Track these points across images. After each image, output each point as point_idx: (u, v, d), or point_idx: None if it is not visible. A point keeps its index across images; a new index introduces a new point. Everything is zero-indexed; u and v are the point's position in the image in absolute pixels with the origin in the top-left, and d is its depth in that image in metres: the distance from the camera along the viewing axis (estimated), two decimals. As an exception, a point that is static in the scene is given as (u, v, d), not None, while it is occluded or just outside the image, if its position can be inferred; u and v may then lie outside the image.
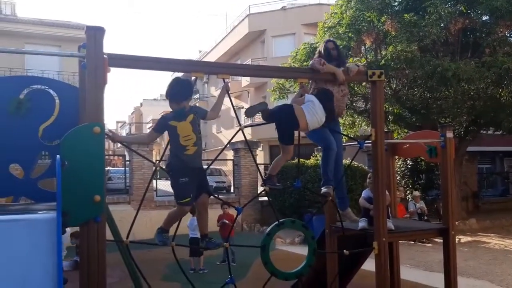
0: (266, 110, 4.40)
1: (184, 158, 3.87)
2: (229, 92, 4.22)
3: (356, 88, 14.27)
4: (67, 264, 8.67)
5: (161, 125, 3.97)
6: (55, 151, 3.43)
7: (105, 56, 3.43)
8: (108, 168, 21.17)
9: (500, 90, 13.24)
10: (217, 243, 4.22)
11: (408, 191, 15.40)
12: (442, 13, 12.27)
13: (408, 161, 16.29)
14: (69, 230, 7.01)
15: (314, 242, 4.31)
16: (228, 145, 4.83)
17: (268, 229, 4.23)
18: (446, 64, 11.83)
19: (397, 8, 13.92)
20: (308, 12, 26.81)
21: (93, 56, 3.39)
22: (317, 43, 15.15)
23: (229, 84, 4.23)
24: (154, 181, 14.47)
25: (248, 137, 4.31)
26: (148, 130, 4.49)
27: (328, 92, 4.73)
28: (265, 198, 14.55)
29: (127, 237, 3.86)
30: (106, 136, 3.57)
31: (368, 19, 13.55)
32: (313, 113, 4.39)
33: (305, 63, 14.04)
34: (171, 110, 3.99)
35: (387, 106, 13.71)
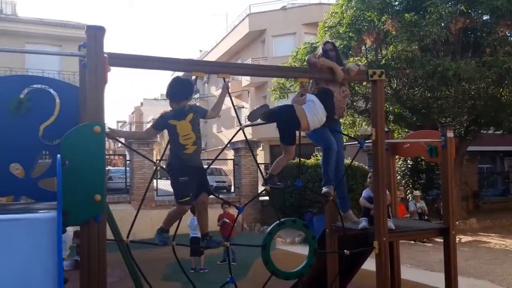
0: (267, 111, 4.40)
1: (184, 157, 3.87)
2: (230, 92, 4.22)
3: (356, 88, 14.26)
4: (68, 263, 8.67)
5: (160, 123, 3.97)
6: (56, 150, 3.43)
7: (105, 55, 3.43)
8: (109, 167, 21.19)
9: (501, 90, 13.24)
10: (218, 241, 4.22)
11: (408, 191, 15.39)
12: (443, 12, 12.26)
13: (408, 161, 16.29)
14: (70, 229, 7.01)
15: (314, 242, 4.31)
16: (228, 145, 4.83)
17: (269, 228, 4.23)
18: (447, 63, 11.82)
19: (397, 8, 13.91)
20: (308, 11, 26.80)
21: (94, 55, 3.39)
22: (317, 42, 15.14)
23: (229, 83, 4.23)
24: (154, 180, 14.47)
25: (249, 136, 4.30)
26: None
27: (328, 91, 4.73)
28: (266, 198, 14.56)
29: (128, 237, 3.87)
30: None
31: (369, 18, 13.54)
32: (314, 113, 4.40)
33: (305, 63, 13.99)
34: (171, 109, 4.00)
35: (387, 106, 13.71)
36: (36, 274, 2.85)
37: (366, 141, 4.74)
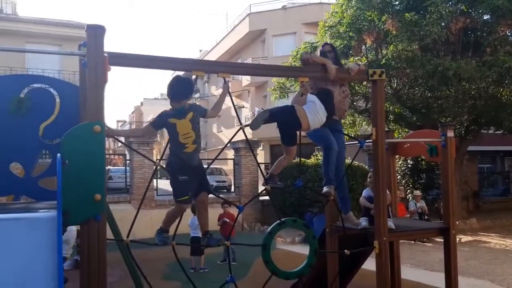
0: (267, 117, 4.36)
1: (184, 156, 3.87)
2: (230, 91, 4.21)
3: (356, 88, 14.26)
4: (68, 263, 8.66)
5: (159, 121, 3.96)
6: (56, 149, 3.42)
7: (105, 54, 3.43)
8: (109, 167, 21.19)
9: (501, 90, 13.23)
10: (218, 239, 4.22)
11: (408, 191, 15.39)
12: (443, 12, 12.25)
13: (408, 161, 16.29)
14: (74, 228, 6.99)
15: (315, 242, 4.30)
16: (228, 144, 4.83)
17: (270, 228, 4.23)
18: (447, 63, 11.82)
19: (398, 7, 13.90)
20: (308, 11, 26.81)
21: (94, 55, 3.38)
22: (317, 42, 15.13)
23: (229, 83, 4.23)
24: (154, 180, 14.48)
25: (249, 136, 4.30)
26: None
27: (328, 92, 4.73)
28: (266, 198, 14.56)
29: (128, 236, 3.86)
30: None
31: (369, 18, 13.54)
32: (314, 114, 4.40)
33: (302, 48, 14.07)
34: (170, 108, 4.00)
35: (387, 106, 13.71)
36: (36, 274, 2.85)
37: (366, 141, 4.74)
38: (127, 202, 13.65)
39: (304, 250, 4.72)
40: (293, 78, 13.36)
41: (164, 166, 4.09)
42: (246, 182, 15.49)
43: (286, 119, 4.37)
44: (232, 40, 32.06)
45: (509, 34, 13.59)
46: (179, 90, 3.92)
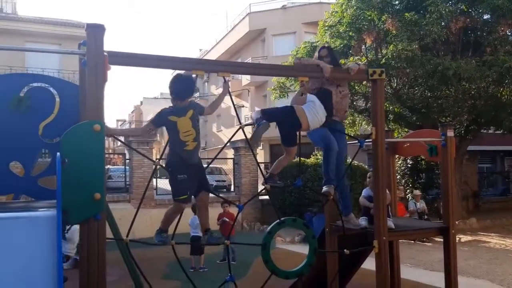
0: (266, 125, 4.34)
1: (184, 154, 3.87)
2: (230, 91, 4.21)
3: (356, 87, 14.26)
4: (67, 262, 8.68)
5: (159, 119, 3.95)
6: (56, 149, 3.42)
7: (105, 53, 3.42)
8: (108, 166, 21.19)
9: (501, 89, 13.23)
10: (219, 238, 4.23)
11: (408, 190, 15.40)
12: (443, 12, 12.25)
13: (408, 160, 16.29)
14: (77, 227, 7.00)
15: (315, 241, 4.30)
16: (228, 144, 4.83)
17: (269, 227, 4.23)
18: (447, 63, 11.81)
19: (397, 7, 13.90)
20: (308, 10, 26.81)
21: (94, 54, 3.38)
22: (317, 41, 15.14)
23: (229, 82, 4.23)
24: (154, 179, 14.48)
25: (249, 135, 4.30)
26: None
27: (327, 91, 4.73)
28: (265, 197, 14.56)
29: (127, 236, 3.86)
30: None
31: (369, 17, 13.54)
32: (314, 113, 4.39)
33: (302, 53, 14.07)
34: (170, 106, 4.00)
35: (387, 105, 13.71)
36: (35, 273, 2.85)
37: (366, 140, 4.74)
38: (126, 201, 13.66)
39: (304, 249, 4.72)
40: (293, 78, 13.35)
41: (164, 165, 4.09)
42: (245, 181, 15.49)
43: (286, 119, 4.37)
44: (232, 40, 32.06)
45: (509, 33, 13.59)
46: (182, 88, 3.92)
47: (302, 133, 4.47)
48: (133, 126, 58.11)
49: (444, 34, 12.46)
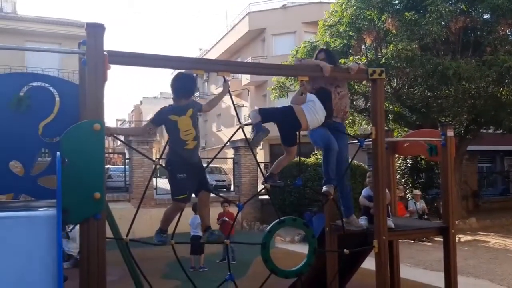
0: (266, 132, 4.32)
1: (184, 153, 3.86)
2: (230, 91, 4.21)
3: (356, 87, 14.26)
4: (67, 261, 8.68)
5: (159, 118, 3.94)
6: (55, 148, 3.42)
7: (105, 53, 3.42)
8: (108, 166, 21.19)
9: (501, 89, 13.24)
10: (219, 235, 4.23)
11: (408, 190, 15.41)
12: (443, 11, 12.25)
13: (408, 160, 16.30)
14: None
15: (314, 241, 4.30)
16: (228, 143, 4.83)
17: (269, 226, 4.22)
18: (447, 62, 11.81)
19: (397, 7, 13.90)
20: (308, 10, 26.79)
21: (93, 53, 3.37)
22: (317, 41, 15.14)
23: (229, 82, 4.23)
24: (154, 179, 14.48)
25: (248, 135, 4.30)
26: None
27: (327, 91, 4.73)
28: (265, 197, 14.56)
29: (127, 235, 3.86)
30: None
31: (369, 17, 13.53)
32: (313, 113, 4.39)
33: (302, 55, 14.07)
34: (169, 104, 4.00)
35: (387, 105, 13.72)
36: (35, 272, 2.85)
37: (366, 140, 4.74)
38: (126, 201, 13.65)
39: (303, 249, 4.72)
40: (292, 77, 13.35)
41: (164, 165, 4.08)
42: (245, 181, 15.49)
43: (285, 119, 4.36)
44: (232, 39, 32.05)
45: (509, 33, 13.59)
46: (186, 86, 3.93)
47: (302, 132, 4.47)
48: (132, 125, 58.11)
49: (444, 33, 12.46)
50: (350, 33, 13.87)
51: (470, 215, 15.85)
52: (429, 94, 13.62)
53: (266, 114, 4.37)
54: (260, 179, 14.85)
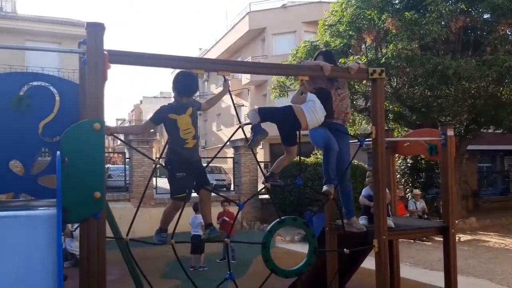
0: (264, 135, 4.31)
1: (184, 152, 3.86)
2: (230, 90, 4.21)
3: (356, 86, 14.26)
4: (70, 260, 8.69)
5: (159, 116, 3.94)
6: (55, 147, 3.42)
7: (105, 52, 3.42)
8: (108, 165, 21.19)
9: (501, 89, 13.23)
10: (220, 231, 4.23)
11: (408, 190, 15.41)
12: (443, 11, 12.25)
13: (408, 160, 16.30)
14: None
15: (314, 240, 4.30)
16: (228, 143, 4.83)
17: (270, 225, 4.22)
18: (447, 62, 11.81)
19: (397, 6, 13.90)
20: (308, 10, 26.79)
21: (94, 52, 3.37)
22: (317, 41, 15.14)
23: (229, 81, 4.23)
24: (154, 178, 14.48)
25: (248, 135, 4.29)
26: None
27: (326, 91, 4.73)
28: (265, 196, 14.56)
29: (127, 235, 3.86)
30: None
31: (369, 17, 13.53)
32: (313, 112, 4.38)
33: (302, 57, 14.06)
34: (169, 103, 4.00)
35: (387, 104, 13.71)
36: (35, 271, 2.85)
37: (366, 140, 4.74)
38: (126, 200, 13.65)
39: (304, 248, 4.72)
40: (293, 77, 13.34)
41: (164, 164, 4.08)
42: (245, 180, 15.49)
43: (285, 119, 4.36)
44: (232, 39, 32.04)
45: (509, 33, 13.58)
46: (190, 84, 3.93)
47: (302, 132, 4.46)
48: (133, 124, 58.07)
49: (444, 33, 12.45)
50: (350, 32, 13.87)
51: (470, 214, 15.85)
52: (429, 93, 13.62)
53: (265, 114, 4.36)
54: (260, 179, 14.85)
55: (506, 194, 22.06)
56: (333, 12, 14.80)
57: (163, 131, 4.18)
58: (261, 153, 26.24)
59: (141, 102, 57.94)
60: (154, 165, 4.15)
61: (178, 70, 4.21)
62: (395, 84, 14.20)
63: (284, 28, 27.68)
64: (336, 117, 4.92)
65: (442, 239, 5.20)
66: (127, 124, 60.95)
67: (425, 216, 12.49)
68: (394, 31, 12.67)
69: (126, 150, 18.95)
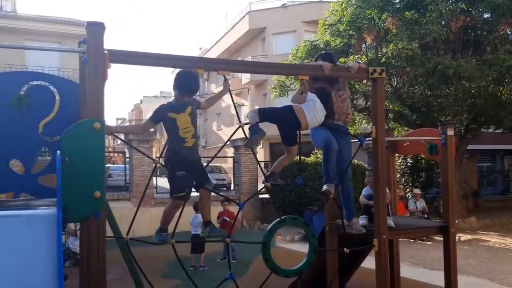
0: (262, 135, 4.31)
1: (183, 151, 3.85)
2: (230, 89, 4.21)
3: (356, 86, 14.25)
4: (68, 260, 8.69)
5: (158, 115, 3.93)
6: (56, 147, 3.42)
7: (105, 51, 3.42)
8: (108, 165, 21.19)
9: (501, 88, 13.23)
10: (220, 230, 4.23)
11: (408, 189, 15.41)
12: (443, 10, 12.24)
13: (408, 159, 16.30)
14: None
15: (314, 240, 4.30)
16: (228, 143, 4.83)
17: (270, 225, 4.23)
18: (447, 62, 11.81)
19: (398, 6, 13.90)
20: (308, 9, 26.77)
21: (94, 52, 3.37)
22: (317, 40, 15.14)
23: (229, 81, 4.23)
24: (154, 178, 14.48)
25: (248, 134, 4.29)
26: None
27: (326, 91, 4.73)
28: (265, 196, 14.56)
29: (127, 234, 3.86)
30: None
31: (369, 16, 13.53)
32: (313, 112, 4.38)
33: (305, 61, 14.04)
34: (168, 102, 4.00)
35: (387, 104, 13.71)
36: (35, 271, 2.84)
37: (366, 139, 4.74)
38: (126, 199, 13.66)
39: (304, 248, 4.72)
40: (293, 76, 13.34)
41: (163, 163, 4.07)
42: (245, 180, 15.49)
43: (285, 119, 4.36)
44: (232, 38, 32.02)
45: (510, 32, 13.58)
46: (190, 83, 3.93)
47: (302, 132, 4.46)
48: (133, 124, 58.06)
49: (444, 33, 12.45)
50: (351, 32, 13.87)
51: (470, 214, 15.85)
52: (429, 93, 13.62)
53: (265, 114, 4.36)
54: (260, 178, 14.84)
55: (506, 194, 22.06)
56: (333, 12, 14.80)
57: (163, 131, 4.17)
58: (261, 153, 26.24)
59: (141, 101, 57.89)
60: (154, 165, 4.15)
61: (178, 70, 4.21)
62: (395, 84, 14.20)
63: (284, 27, 27.66)
64: (337, 118, 4.92)
65: (442, 238, 5.20)
66: (127, 124, 60.92)
67: (425, 216, 12.48)
68: (394, 30, 12.67)
69: (126, 150, 18.93)
